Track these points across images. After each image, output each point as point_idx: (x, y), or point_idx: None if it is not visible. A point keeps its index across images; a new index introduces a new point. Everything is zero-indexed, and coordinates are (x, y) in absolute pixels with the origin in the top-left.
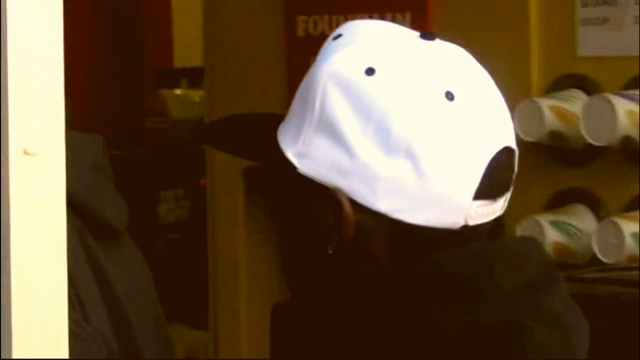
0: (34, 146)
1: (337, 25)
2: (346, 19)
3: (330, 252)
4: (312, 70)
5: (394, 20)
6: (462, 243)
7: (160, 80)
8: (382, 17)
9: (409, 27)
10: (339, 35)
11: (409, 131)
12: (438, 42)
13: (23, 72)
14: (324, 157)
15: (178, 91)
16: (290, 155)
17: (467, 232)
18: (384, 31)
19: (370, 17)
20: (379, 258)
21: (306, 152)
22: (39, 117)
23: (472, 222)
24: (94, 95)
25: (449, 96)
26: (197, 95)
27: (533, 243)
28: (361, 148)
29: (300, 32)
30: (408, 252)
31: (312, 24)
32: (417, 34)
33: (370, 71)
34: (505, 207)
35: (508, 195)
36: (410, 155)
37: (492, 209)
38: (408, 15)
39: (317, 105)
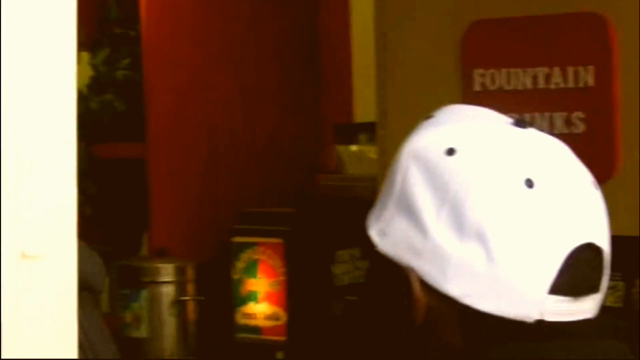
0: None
1: (516, 79)
2: (525, 73)
3: (404, 331)
4: (400, 148)
5: (576, 73)
6: (542, 339)
7: (338, 136)
8: (564, 71)
9: (592, 80)
10: (430, 117)
11: (482, 214)
12: (530, 131)
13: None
14: (401, 236)
15: (354, 147)
16: (373, 233)
17: (548, 328)
18: (476, 115)
19: (551, 71)
20: (449, 344)
21: (386, 229)
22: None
23: (549, 318)
24: (271, 152)
25: (529, 183)
26: (372, 151)
27: (621, 347)
28: (435, 228)
29: (476, 87)
30: (479, 340)
31: (489, 78)
32: (511, 120)
33: (450, 151)
34: (596, 309)
35: (598, 297)
36: (481, 239)
37: (577, 308)
38: (591, 69)
39: (399, 183)
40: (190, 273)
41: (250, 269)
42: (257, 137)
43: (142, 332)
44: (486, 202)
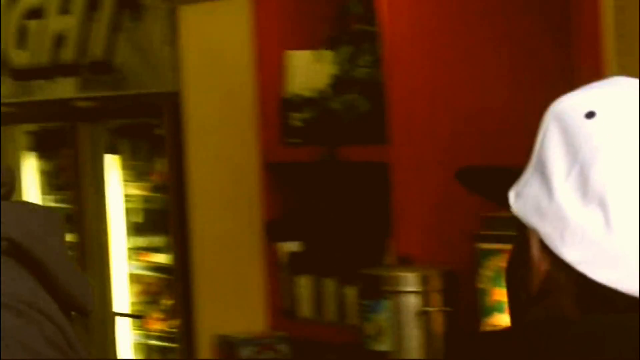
0: None
1: None
2: None
3: (523, 298)
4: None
5: None
6: None
7: None
8: None
9: None
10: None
11: (607, 180)
12: None
13: None
14: (531, 196)
15: None
16: (511, 194)
17: None
18: (629, 85)
19: None
20: (564, 315)
21: (522, 190)
22: None
23: None
24: (522, 152)
25: None
26: None
27: None
28: (561, 190)
29: None
30: (595, 312)
31: None
32: None
33: (590, 115)
34: None
35: None
36: (602, 205)
37: None
38: None
39: (538, 143)
40: (435, 282)
41: (498, 278)
42: (508, 139)
43: (384, 345)
44: (613, 169)
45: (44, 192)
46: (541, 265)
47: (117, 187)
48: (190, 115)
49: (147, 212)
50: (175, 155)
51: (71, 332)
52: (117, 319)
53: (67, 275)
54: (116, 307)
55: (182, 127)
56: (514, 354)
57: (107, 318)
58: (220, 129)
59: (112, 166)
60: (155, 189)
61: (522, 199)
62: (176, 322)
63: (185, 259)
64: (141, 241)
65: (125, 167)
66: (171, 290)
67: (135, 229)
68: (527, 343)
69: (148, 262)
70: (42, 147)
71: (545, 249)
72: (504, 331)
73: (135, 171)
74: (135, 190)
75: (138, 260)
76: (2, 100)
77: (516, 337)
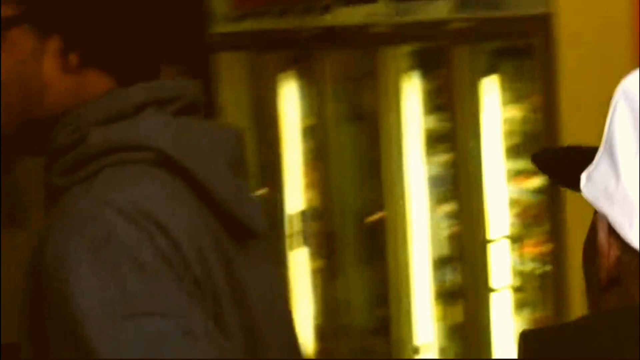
0: None
1: None
2: None
3: (596, 285)
4: None
5: None
6: None
7: None
8: None
9: None
10: None
11: None
12: None
13: None
14: (600, 179)
15: None
16: (583, 177)
17: None
18: None
19: None
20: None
21: (592, 173)
22: None
23: None
24: None
25: None
26: None
27: None
28: (629, 172)
29: None
30: None
31: None
32: None
33: None
34: None
35: None
36: None
37: None
38: None
39: (608, 122)
40: None
41: None
42: None
43: None
44: None
45: (425, 112)
46: (610, 251)
47: (495, 109)
48: (563, 40)
49: (525, 135)
50: (547, 80)
51: (215, 251)
52: (491, 243)
53: (228, 194)
54: (492, 230)
55: (554, 51)
56: (587, 348)
57: (479, 241)
58: (594, 56)
59: (490, 88)
60: (534, 110)
61: (592, 182)
62: (550, 247)
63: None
64: (519, 164)
65: (504, 88)
66: (547, 214)
67: (512, 152)
68: (599, 336)
69: (525, 186)
70: (423, 67)
71: (615, 234)
72: (577, 324)
73: (513, 93)
74: (513, 112)
75: (515, 183)
76: (378, 21)
77: (588, 330)
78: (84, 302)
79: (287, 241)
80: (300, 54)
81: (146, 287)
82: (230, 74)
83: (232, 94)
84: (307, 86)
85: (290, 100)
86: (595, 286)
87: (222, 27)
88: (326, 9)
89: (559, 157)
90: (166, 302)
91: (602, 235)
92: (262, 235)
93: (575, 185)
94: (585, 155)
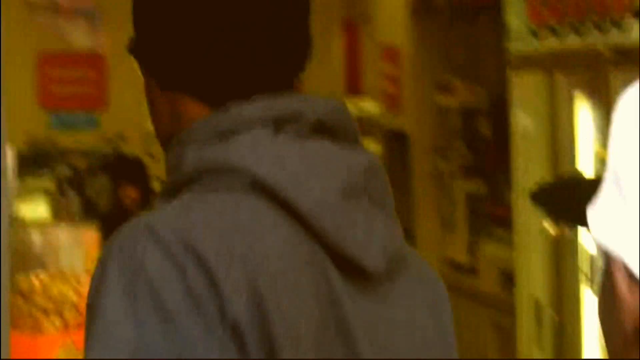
0: None
1: None
2: None
3: (619, 341)
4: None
5: None
6: None
7: None
8: None
9: None
10: None
11: None
12: None
13: None
14: (609, 217)
15: None
16: (590, 215)
17: None
18: None
19: None
20: None
21: (598, 210)
22: None
23: None
24: None
25: None
26: None
27: None
28: (636, 202)
29: None
30: None
31: None
32: None
33: None
34: None
35: None
36: None
37: None
38: None
39: (609, 147)
40: None
41: None
42: None
43: None
44: None
45: None
46: (632, 299)
47: None
48: None
49: None
50: None
51: (305, 282)
52: None
53: (334, 225)
54: None
55: None
56: None
57: None
58: None
59: None
60: None
61: (599, 221)
62: None
63: None
64: None
65: None
66: None
67: None
68: None
69: None
70: None
71: (635, 278)
72: None
73: None
74: None
75: None
76: None
77: None
78: (100, 334)
79: None
80: (595, 74)
81: (166, 333)
82: (524, 93)
83: (527, 112)
84: (599, 108)
85: (584, 123)
86: (619, 341)
87: (518, 45)
88: (617, 23)
89: (557, 194)
90: (184, 352)
91: (621, 282)
92: (397, 273)
93: (582, 223)
94: (583, 187)
